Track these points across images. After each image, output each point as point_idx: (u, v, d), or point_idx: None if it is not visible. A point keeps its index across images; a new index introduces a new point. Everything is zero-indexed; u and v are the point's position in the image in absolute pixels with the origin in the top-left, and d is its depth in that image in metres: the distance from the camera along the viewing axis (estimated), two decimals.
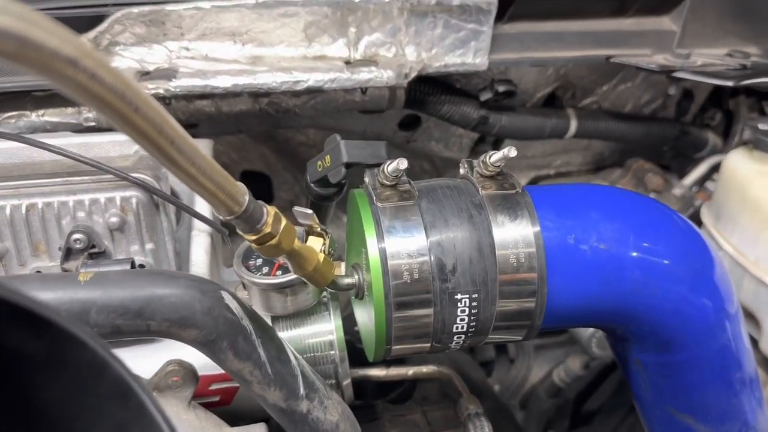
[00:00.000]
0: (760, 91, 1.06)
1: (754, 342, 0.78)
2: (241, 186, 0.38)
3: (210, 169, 0.34)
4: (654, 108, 1.09)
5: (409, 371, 0.74)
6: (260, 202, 0.40)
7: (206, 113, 0.80)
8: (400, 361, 0.75)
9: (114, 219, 0.53)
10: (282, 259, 0.51)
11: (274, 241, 0.41)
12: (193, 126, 0.85)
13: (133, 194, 0.53)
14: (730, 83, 0.82)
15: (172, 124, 0.31)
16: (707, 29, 0.89)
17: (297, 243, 0.44)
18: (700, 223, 0.88)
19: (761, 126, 0.80)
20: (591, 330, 0.97)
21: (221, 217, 0.38)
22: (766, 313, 0.76)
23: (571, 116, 0.98)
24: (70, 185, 0.53)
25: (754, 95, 1.08)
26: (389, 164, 0.51)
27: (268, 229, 0.40)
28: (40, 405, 0.28)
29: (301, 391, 0.50)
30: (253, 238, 0.41)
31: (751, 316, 0.79)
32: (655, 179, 1.05)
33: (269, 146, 1.06)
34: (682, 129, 1.07)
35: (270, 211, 0.41)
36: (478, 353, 1.17)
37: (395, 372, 0.73)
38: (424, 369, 0.74)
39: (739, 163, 0.81)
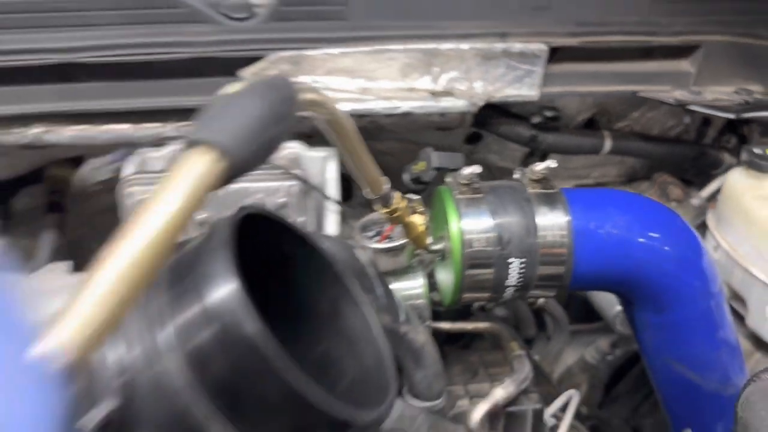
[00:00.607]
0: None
1: (742, 318, 0.99)
2: (384, 178, 0.63)
3: (370, 164, 0.60)
4: (677, 132, 1.30)
5: (469, 326, 0.98)
6: (391, 187, 0.66)
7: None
8: (463, 318, 0.99)
9: (281, 200, 0.79)
10: (390, 231, 0.77)
11: (398, 214, 0.66)
12: (309, 137, 1.11)
13: (293, 184, 0.79)
14: (732, 116, 1.04)
15: (358, 140, 0.56)
16: (718, 71, 1.11)
17: (410, 217, 0.69)
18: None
19: (755, 150, 1.02)
20: (616, 309, 1.19)
21: (370, 195, 0.63)
22: (751, 295, 0.97)
23: (606, 137, 1.21)
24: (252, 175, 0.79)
25: (766, 123, 1.29)
26: (467, 169, 0.76)
27: (395, 206, 0.65)
28: (296, 288, 0.53)
29: (402, 317, 0.75)
30: (386, 211, 0.66)
31: (740, 299, 1.00)
32: (676, 191, 1.27)
33: None
34: (701, 150, 1.28)
35: (397, 195, 0.66)
36: (521, 330, 1.39)
37: (459, 326, 0.98)
38: (481, 324, 0.98)
39: (736, 179, 1.03)
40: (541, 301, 1.22)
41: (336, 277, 0.52)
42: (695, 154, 1.28)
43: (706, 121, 1.30)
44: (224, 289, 0.37)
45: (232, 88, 0.39)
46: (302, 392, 0.36)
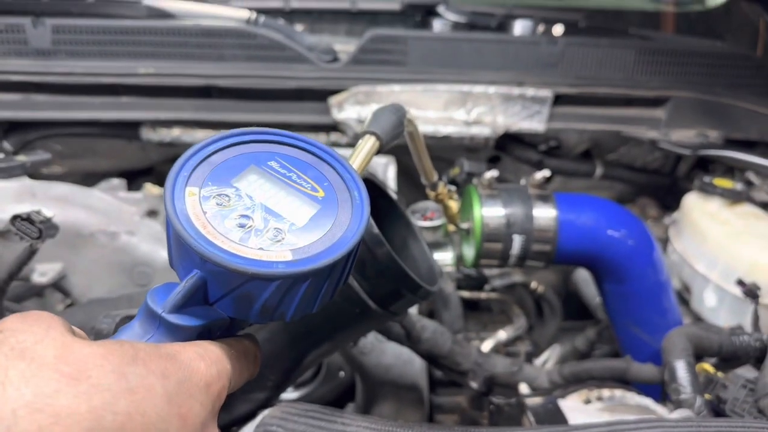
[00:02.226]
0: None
1: (688, 304, 1.33)
2: (435, 171, 0.98)
3: (428, 161, 0.95)
4: (656, 165, 1.65)
5: (483, 295, 1.33)
6: (438, 179, 1.01)
7: None
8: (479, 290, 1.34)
9: None
10: (433, 212, 1.12)
11: (441, 196, 1.02)
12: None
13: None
14: (688, 152, 1.39)
15: (424, 146, 0.91)
16: (684, 118, 1.46)
17: (448, 200, 1.05)
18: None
19: (704, 179, 1.36)
20: (598, 300, 1.52)
21: (426, 182, 0.99)
22: (694, 284, 1.31)
23: (597, 165, 1.56)
24: None
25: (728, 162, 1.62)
26: (488, 174, 1.12)
27: (441, 191, 1.01)
28: (383, 230, 0.88)
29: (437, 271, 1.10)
30: (434, 194, 1.01)
31: (688, 290, 1.34)
32: (652, 211, 1.61)
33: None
34: (674, 181, 1.62)
35: (441, 183, 1.01)
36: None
37: (476, 294, 1.32)
38: (492, 294, 1.32)
39: (689, 200, 1.37)
40: (540, 289, 1.55)
41: (407, 223, 0.87)
42: (669, 183, 1.63)
43: (679, 158, 1.64)
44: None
45: (379, 106, 0.74)
46: (399, 265, 0.71)
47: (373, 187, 0.84)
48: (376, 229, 0.71)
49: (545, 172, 1.11)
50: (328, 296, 0.49)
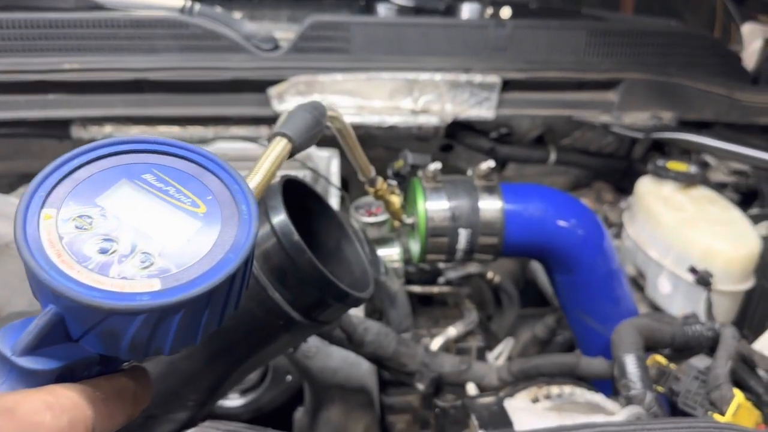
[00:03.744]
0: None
1: (643, 290, 1.30)
2: (372, 167, 0.94)
3: (363, 157, 0.90)
4: (611, 149, 1.62)
5: (435, 289, 1.29)
6: (376, 174, 0.96)
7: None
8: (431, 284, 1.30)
9: None
10: (378, 207, 1.08)
11: (381, 192, 0.97)
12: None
13: (306, 173, 1.10)
14: (640, 135, 1.36)
15: (356, 141, 0.86)
16: (636, 100, 1.43)
17: (389, 195, 1.00)
18: None
19: (658, 162, 1.34)
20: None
21: (363, 179, 0.94)
22: (648, 270, 1.28)
23: (551, 150, 1.52)
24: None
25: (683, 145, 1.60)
26: (431, 166, 1.07)
27: (380, 187, 0.96)
28: (314, 230, 0.84)
29: (382, 269, 1.06)
30: (373, 190, 0.96)
31: (642, 276, 1.31)
32: (608, 195, 1.59)
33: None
34: (629, 164, 1.60)
35: (380, 179, 0.97)
36: (483, 307, 1.69)
37: (427, 289, 1.28)
38: (444, 288, 1.29)
39: (643, 184, 1.35)
40: (496, 279, 1.52)
41: (339, 224, 0.82)
42: (624, 167, 1.60)
43: (634, 141, 1.62)
44: (280, 216, 0.67)
45: (293, 107, 0.69)
46: (322, 272, 0.67)
47: (302, 188, 0.79)
48: (296, 236, 0.67)
49: (490, 163, 1.07)
50: (214, 324, 0.44)
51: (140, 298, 0.38)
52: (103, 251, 0.40)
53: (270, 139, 0.61)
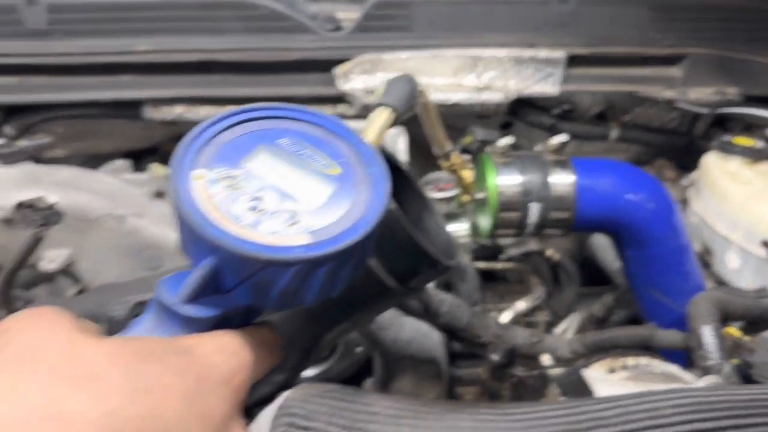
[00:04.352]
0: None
1: (707, 265, 1.29)
2: (448, 141, 0.95)
3: (442, 131, 0.92)
4: (673, 125, 1.60)
5: (499, 265, 1.30)
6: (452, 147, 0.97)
7: None
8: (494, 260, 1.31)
9: None
10: (447, 183, 1.09)
11: (455, 167, 0.98)
12: None
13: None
14: (705, 111, 1.34)
15: (437, 115, 0.88)
16: (701, 76, 1.41)
17: (462, 170, 1.01)
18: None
19: (724, 138, 1.32)
20: (616, 265, 1.49)
21: (438, 153, 0.95)
22: (715, 246, 1.27)
23: (612, 127, 1.52)
24: None
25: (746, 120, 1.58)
26: (502, 141, 1.08)
27: (455, 161, 0.97)
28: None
29: (453, 244, 1.07)
30: (447, 164, 0.98)
31: (709, 252, 1.30)
32: (670, 172, 1.57)
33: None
34: (691, 140, 1.58)
35: (455, 153, 0.98)
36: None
37: (491, 265, 1.30)
38: (508, 264, 1.30)
39: (709, 160, 1.33)
40: (556, 257, 1.52)
41: (421, 196, 0.84)
42: (686, 144, 1.58)
43: (696, 117, 1.59)
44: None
45: (391, 78, 0.70)
46: (418, 241, 0.68)
47: (386, 160, 0.81)
48: (394, 204, 0.68)
49: (562, 137, 1.07)
50: (348, 278, 0.47)
51: (293, 250, 0.40)
52: (253, 209, 0.42)
53: (373, 109, 0.63)
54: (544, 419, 0.73)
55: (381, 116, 0.61)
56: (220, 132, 0.46)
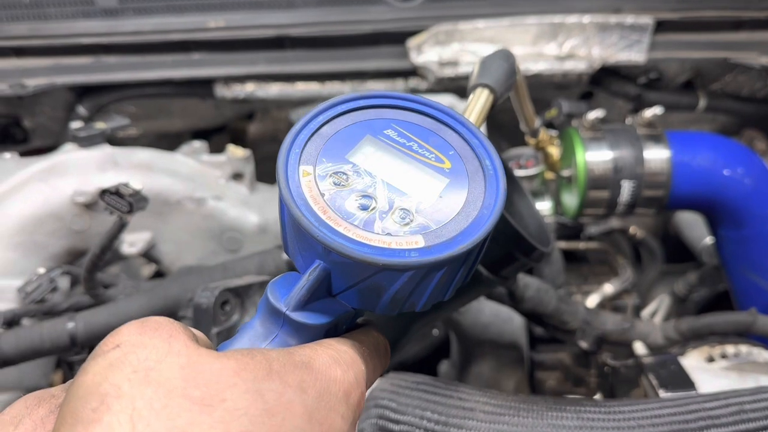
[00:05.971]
0: None
1: None
2: (536, 117, 0.90)
3: (530, 107, 0.86)
4: (765, 93, 1.49)
5: (581, 245, 1.25)
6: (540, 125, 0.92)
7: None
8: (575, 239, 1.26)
9: None
10: (529, 160, 1.04)
11: (542, 144, 0.93)
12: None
13: None
14: None
15: (527, 91, 0.82)
16: None
17: (549, 147, 0.96)
18: None
19: None
20: (703, 243, 1.41)
21: (525, 129, 0.90)
22: None
23: (701, 96, 1.42)
24: None
25: None
26: (591, 114, 1.02)
27: (542, 138, 0.92)
28: None
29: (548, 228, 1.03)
30: (534, 141, 0.93)
31: None
32: (760, 144, 1.47)
33: None
34: None
35: (543, 130, 0.93)
36: None
37: (573, 244, 1.24)
38: (591, 244, 1.24)
39: None
40: (639, 234, 1.46)
41: (512, 178, 0.80)
42: None
43: None
44: None
45: (489, 53, 0.65)
46: (513, 228, 0.64)
47: None
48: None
49: (657, 109, 1.00)
50: (462, 281, 0.43)
51: (409, 254, 0.37)
52: (364, 207, 0.39)
53: (471, 90, 0.59)
54: (653, 418, 0.69)
55: (480, 98, 0.57)
56: (324, 123, 0.43)
